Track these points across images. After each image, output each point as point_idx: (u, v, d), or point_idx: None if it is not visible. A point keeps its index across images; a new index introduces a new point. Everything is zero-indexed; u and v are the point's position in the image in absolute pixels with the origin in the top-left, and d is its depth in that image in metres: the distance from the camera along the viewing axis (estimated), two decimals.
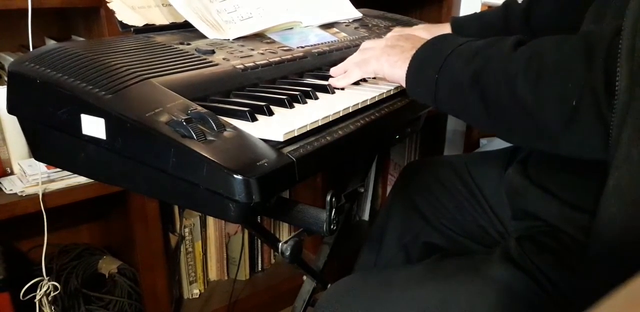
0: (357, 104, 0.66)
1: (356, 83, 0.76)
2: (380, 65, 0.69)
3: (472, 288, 0.62)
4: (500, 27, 0.88)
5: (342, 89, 0.73)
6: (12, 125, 0.89)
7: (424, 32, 0.89)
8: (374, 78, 0.79)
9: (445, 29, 0.92)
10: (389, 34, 0.75)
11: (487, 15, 0.92)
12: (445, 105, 0.62)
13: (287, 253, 0.75)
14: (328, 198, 0.58)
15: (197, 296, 1.37)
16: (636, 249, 0.48)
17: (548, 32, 0.81)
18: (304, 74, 0.79)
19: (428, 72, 0.62)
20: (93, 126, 0.53)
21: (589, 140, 0.50)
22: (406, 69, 0.65)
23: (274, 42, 0.83)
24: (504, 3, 0.91)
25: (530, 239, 0.65)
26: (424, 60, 0.64)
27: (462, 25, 0.92)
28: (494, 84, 0.55)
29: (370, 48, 0.73)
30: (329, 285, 1.08)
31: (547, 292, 0.60)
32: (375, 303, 0.66)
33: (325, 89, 0.71)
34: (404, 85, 0.67)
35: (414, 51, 0.65)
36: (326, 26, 0.97)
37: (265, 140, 0.52)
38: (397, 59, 0.67)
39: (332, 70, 0.76)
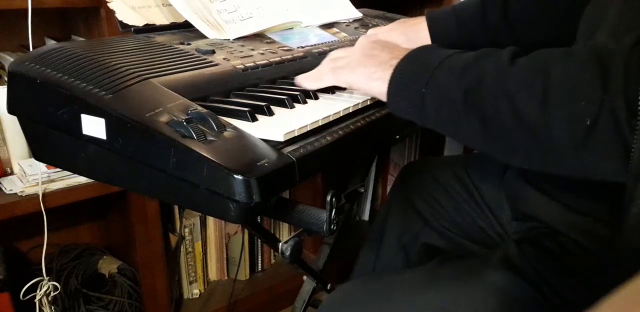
0: (358, 104, 0.66)
1: None
2: (355, 77, 0.63)
3: (473, 294, 0.62)
4: (479, 22, 0.81)
5: (313, 92, 0.68)
6: (12, 125, 0.89)
7: (400, 34, 0.84)
8: None
9: (422, 25, 0.84)
10: (361, 40, 0.67)
11: (464, 10, 0.84)
12: (434, 123, 0.57)
13: (287, 253, 0.75)
14: (328, 198, 0.58)
15: (197, 296, 1.37)
16: None
17: (527, 26, 0.78)
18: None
19: (413, 87, 0.56)
20: (93, 126, 0.53)
21: (604, 163, 0.46)
22: (387, 82, 0.59)
23: (274, 42, 0.83)
24: None
25: (530, 242, 0.65)
26: (408, 74, 0.58)
27: (439, 20, 0.84)
28: (491, 102, 0.50)
29: (343, 57, 0.67)
30: (329, 286, 1.08)
31: (547, 297, 0.60)
32: (376, 309, 0.65)
33: (325, 89, 0.71)
34: (382, 99, 0.61)
35: (394, 62, 0.59)
36: (326, 26, 0.97)
37: (265, 141, 0.52)
38: (375, 70, 0.61)
39: (299, 78, 0.71)
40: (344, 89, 0.73)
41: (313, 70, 0.70)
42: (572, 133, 0.46)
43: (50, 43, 1.00)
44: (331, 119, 0.60)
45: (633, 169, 0.45)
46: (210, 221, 1.35)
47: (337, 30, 0.98)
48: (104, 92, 0.53)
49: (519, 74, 0.50)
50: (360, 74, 0.62)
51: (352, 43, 0.92)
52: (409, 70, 0.58)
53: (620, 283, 0.53)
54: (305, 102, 0.65)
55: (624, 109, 0.43)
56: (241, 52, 0.74)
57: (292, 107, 0.63)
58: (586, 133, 0.45)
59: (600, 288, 0.51)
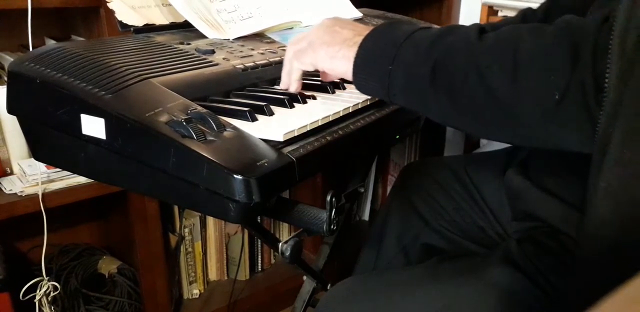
0: (357, 104, 0.66)
1: None
2: (318, 56, 0.61)
3: (473, 291, 0.62)
4: None
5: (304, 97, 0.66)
6: (12, 125, 0.89)
7: None
8: None
9: None
10: (322, 21, 0.65)
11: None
12: (402, 100, 0.57)
13: (287, 253, 0.74)
14: (328, 198, 0.58)
15: (197, 296, 1.37)
16: (630, 249, 0.47)
17: None
18: (304, 73, 0.79)
19: (380, 65, 0.56)
20: (93, 126, 0.53)
21: (572, 135, 0.48)
22: (352, 59, 0.58)
23: (274, 42, 0.83)
24: (521, 11, 0.86)
25: (530, 241, 0.65)
26: (373, 50, 0.57)
27: None
28: (461, 76, 0.51)
29: (303, 38, 0.64)
30: (329, 286, 1.08)
31: (547, 295, 0.60)
32: (375, 307, 0.65)
33: (326, 89, 0.71)
34: (347, 77, 0.60)
35: (357, 39, 0.58)
36: None
37: (265, 140, 0.52)
38: (339, 48, 0.59)
39: (281, 83, 0.70)
40: (344, 89, 0.73)
41: (283, 67, 0.69)
42: (541, 106, 0.47)
43: (50, 43, 1.00)
44: (331, 119, 0.60)
45: (598, 143, 0.46)
46: (210, 221, 1.35)
47: None
48: (103, 92, 0.53)
49: (489, 48, 0.50)
50: (324, 53, 0.60)
51: None
52: (374, 47, 0.57)
53: (589, 266, 0.52)
54: (305, 102, 0.65)
55: (591, 83, 0.45)
56: (241, 52, 0.74)
57: (292, 107, 0.63)
58: (554, 106, 0.46)
59: (590, 284, 0.51)
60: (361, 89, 0.60)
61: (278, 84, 0.73)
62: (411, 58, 0.54)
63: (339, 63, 0.59)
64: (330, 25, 0.63)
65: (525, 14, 0.85)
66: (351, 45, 0.58)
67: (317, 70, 0.67)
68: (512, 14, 1.27)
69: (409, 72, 0.54)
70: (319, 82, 0.73)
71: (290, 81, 0.68)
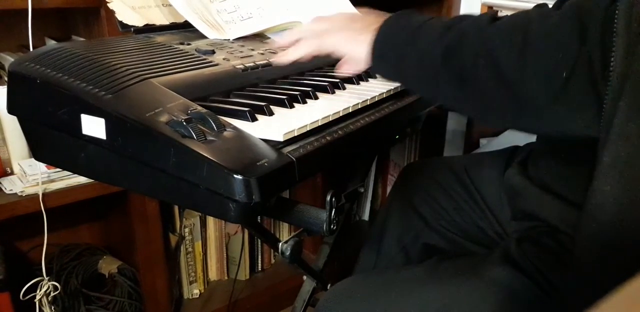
0: (357, 104, 0.66)
1: (356, 83, 0.76)
2: (339, 39, 0.63)
3: (473, 290, 0.62)
4: None
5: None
6: (12, 125, 0.89)
7: None
8: (367, 80, 0.78)
9: None
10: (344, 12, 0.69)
11: None
12: (415, 83, 0.59)
13: (287, 253, 0.75)
14: (328, 198, 0.58)
15: (197, 296, 1.37)
16: (635, 226, 0.46)
17: None
18: (304, 73, 0.79)
19: (395, 48, 0.58)
20: (93, 126, 0.53)
21: (578, 114, 0.48)
22: (370, 44, 0.60)
23: (274, 42, 0.83)
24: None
25: (530, 240, 0.65)
26: (391, 35, 0.59)
27: None
28: (471, 58, 0.52)
29: (327, 19, 0.66)
30: (329, 286, 1.08)
31: (547, 294, 0.60)
32: (375, 306, 0.65)
33: (326, 89, 0.71)
34: (363, 61, 0.62)
35: (377, 25, 0.60)
36: None
37: (265, 140, 0.52)
38: (360, 32, 0.61)
39: (279, 43, 0.69)
40: (344, 88, 0.73)
41: (290, 34, 0.69)
42: (549, 86, 0.48)
43: (50, 43, 1.00)
44: (331, 119, 0.60)
45: (604, 118, 0.46)
46: (210, 220, 1.35)
47: None
48: (103, 92, 0.53)
49: (499, 31, 0.52)
50: (345, 36, 0.63)
51: None
52: (391, 32, 0.59)
53: (587, 254, 0.50)
54: (305, 102, 0.65)
55: (599, 59, 0.45)
56: (241, 52, 0.74)
57: (292, 107, 0.63)
58: (562, 85, 0.47)
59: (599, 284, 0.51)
60: (377, 71, 0.63)
61: (279, 84, 0.73)
62: (425, 42, 0.56)
63: (359, 46, 0.61)
64: (352, 13, 0.66)
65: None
66: (371, 31, 0.60)
67: (320, 69, 0.67)
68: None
69: (422, 56, 0.56)
70: (319, 82, 0.73)
71: (290, 58, 0.67)
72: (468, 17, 0.57)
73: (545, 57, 0.48)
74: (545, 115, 0.50)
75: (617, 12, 0.45)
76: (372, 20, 0.62)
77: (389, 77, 0.62)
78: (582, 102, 0.47)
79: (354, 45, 0.62)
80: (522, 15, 0.53)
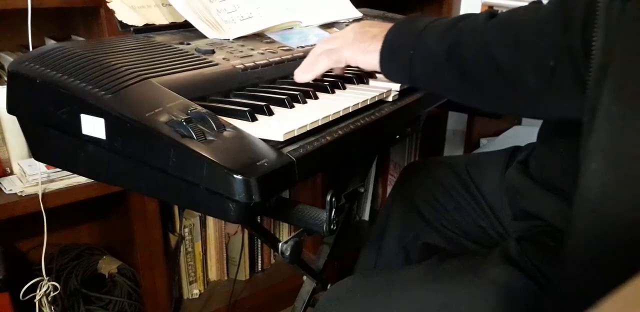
0: (357, 104, 0.66)
1: (356, 83, 0.76)
2: (353, 52, 0.68)
3: (473, 289, 0.62)
4: None
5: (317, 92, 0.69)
6: (12, 125, 0.89)
7: None
8: (370, 80, 0.79)
9: None
10: (351, 25, 0.73)
11: None
12: (421, 81, 0.64)
13: (287, 253, 0.74)
14: (328, 198, 0.58)
15: (197, 296, 1.37)
16: (620, 203, 0.46)
17: None
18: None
19: (403, 51, 0.63)
20: (93, 126, 0.53)
21: (566, 100, 0.52)
22: (379, 52, 0.65)
23: (274, 42, 0.83)
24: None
25: (530, 240, 0.65)
26: (397, 40, 0.64)
27: None
28: (471, 53, 0.57)
29: (339, 37, 0.72)
30: (329, 286, 1.08)
31: (546, 293, 0.60)
32: (375, 305, 0.65)
33: (326, 89, 0.71)
34: (378, 69, 0.67)
35: (383, 34, 0.65)
36: (326, 26, 0.97)
37: (265, 140, 0.52)
38: (369, 43, 0.66)
39: (296, 72, 0.73)
40: (344, 88, 0.73)
41: (306, 58, 0.73)
42: (540, 75, 0.52)
43: (50, 43, 1.00)
44: (331, 119, 0.60)
45: (588, 104, 0.48)
46: (210, 221, 1.35)
47: (337, 30, 0.97)
48: (103, 92, 0.53)
49: (494, 28, 0.56)
50: (357, 49, 0.67)
51: None
52: (398, 37, 0.65)
53: (580, 245, 0.50)
54: (305, 102, 0.65)
55: (579, 48, 0.48)
56: (241, 52, 0.74)
57: (292, 107, 0.63)
58: (551, 73, 0.51)
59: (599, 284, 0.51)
60: (388, 76, 0.67)
61: (279, 84, 0.73)
62: (429, 42, 0.60)
63: (371, 56, 0.66)
64: (360, 26, 0.70)
65: None
66: (379, 40, 0.66)
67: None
68: None
69: (427, 55, 0.61)
70: (319, 82, 0.73)
71: (310, 70, 0.72)
72: (468, 16, 0.60)
73: (534, 48, 0.52)
74: (538, 101, 0.55)
75: (598, 4, 0.47)
76: (377, 31, 0.67)
77: (397, 78, 0.67)
78: (569, 88, 0.51)
79: (366, 56, 0.67)
80: (515, 12, 0.57)
